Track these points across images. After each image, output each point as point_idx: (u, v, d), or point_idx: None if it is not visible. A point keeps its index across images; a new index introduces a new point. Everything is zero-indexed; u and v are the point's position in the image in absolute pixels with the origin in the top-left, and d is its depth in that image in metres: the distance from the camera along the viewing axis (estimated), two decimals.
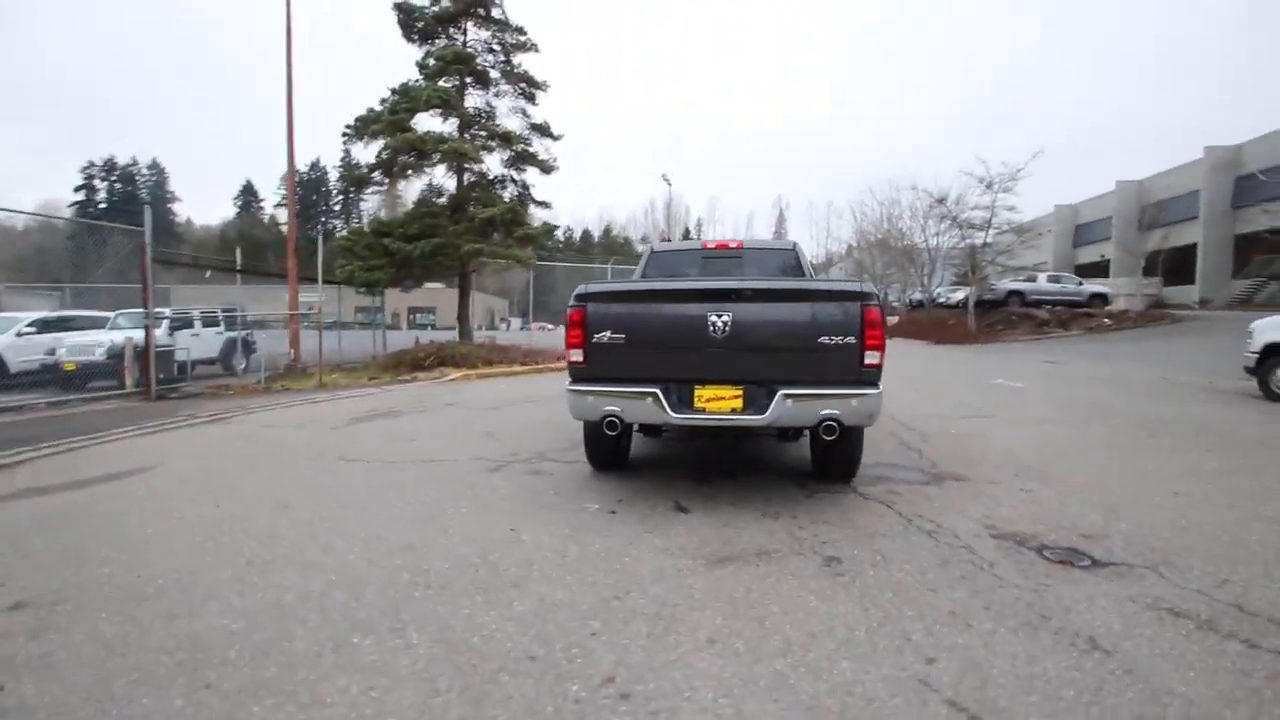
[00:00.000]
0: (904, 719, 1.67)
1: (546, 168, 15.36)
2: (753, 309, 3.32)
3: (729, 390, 3.33)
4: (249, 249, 28.24)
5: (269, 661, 1.96)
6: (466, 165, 14.42)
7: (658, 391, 3.33)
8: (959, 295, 28.04)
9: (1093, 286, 25.88)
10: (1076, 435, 5.63)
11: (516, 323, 50.52)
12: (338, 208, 70.91)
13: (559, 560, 2.79)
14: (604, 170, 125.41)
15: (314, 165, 69.78)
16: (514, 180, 15.53)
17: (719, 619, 2.23)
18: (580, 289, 3.54)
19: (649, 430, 3.34)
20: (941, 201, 25.26)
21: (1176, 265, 31.30)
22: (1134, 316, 23.22)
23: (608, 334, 3.43)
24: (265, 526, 3.27)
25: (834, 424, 3.21)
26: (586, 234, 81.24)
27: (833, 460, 3.90)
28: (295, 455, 5.04)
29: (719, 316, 3.29)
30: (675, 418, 3.34)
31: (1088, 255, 38.95)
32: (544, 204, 15.94)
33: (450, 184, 15.10)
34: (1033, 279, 26.29)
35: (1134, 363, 12.42)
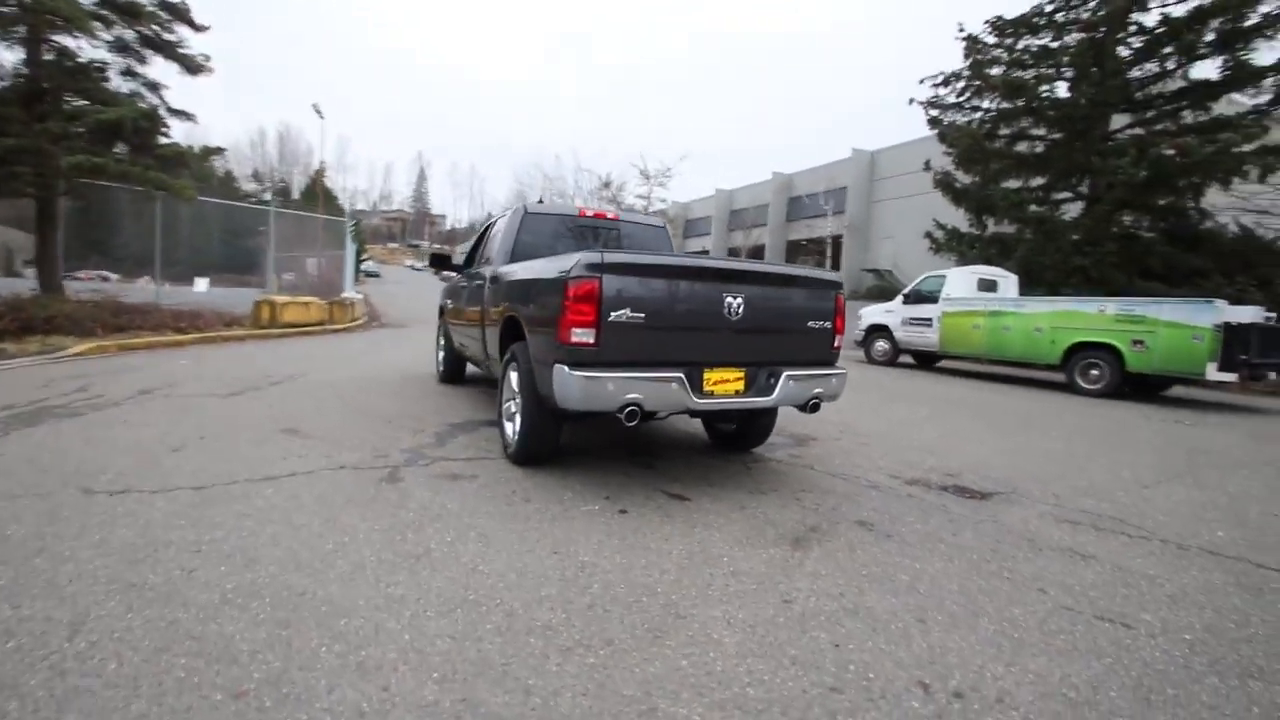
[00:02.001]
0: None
1: (192, 65, 11.47)
2: (762, 291, 3.36)
3: (733, 373, 3.32)
4: None
5: None
6: (53, 34, 9.73)
7: (682, 375, 3.11)
8: None
9: None
10: None
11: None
12: None
13: (670, 579, 2.43)
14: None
15: None
16: (135, 74, 11.16)
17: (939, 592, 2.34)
18: (592, 257, 2.99)
19: (639, 418, 3.06)
20: (607, 185, 28.04)
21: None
22: None
23: (626, 312, 3.01)
24: None
25: (818, 401, 3.52)
26: None
27: (755, 430, 4.25)
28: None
29: (734, 298, 3.24)
30: (698, 403, 3.17)
31: (694, 245, 48.22)
32: (186, 115, 11.91)
33: (14, 58, 9.97)
34: None
35: None
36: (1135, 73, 14.15)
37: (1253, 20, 12.69)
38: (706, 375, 3.25)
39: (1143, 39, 14.18)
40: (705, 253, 44.63)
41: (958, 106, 17.12)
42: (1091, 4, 15.06)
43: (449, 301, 6.27)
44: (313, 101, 33.27)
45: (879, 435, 5.33)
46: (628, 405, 3.00)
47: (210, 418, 4.67)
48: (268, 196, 37.95)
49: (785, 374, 3.38)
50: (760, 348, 3.40)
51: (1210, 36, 13.29)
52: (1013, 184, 16.24)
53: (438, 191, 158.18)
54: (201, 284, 14.79)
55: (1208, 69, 13.45)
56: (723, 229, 47.31)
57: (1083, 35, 14.49)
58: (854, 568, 2.59)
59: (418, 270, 70.96)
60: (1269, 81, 12.81)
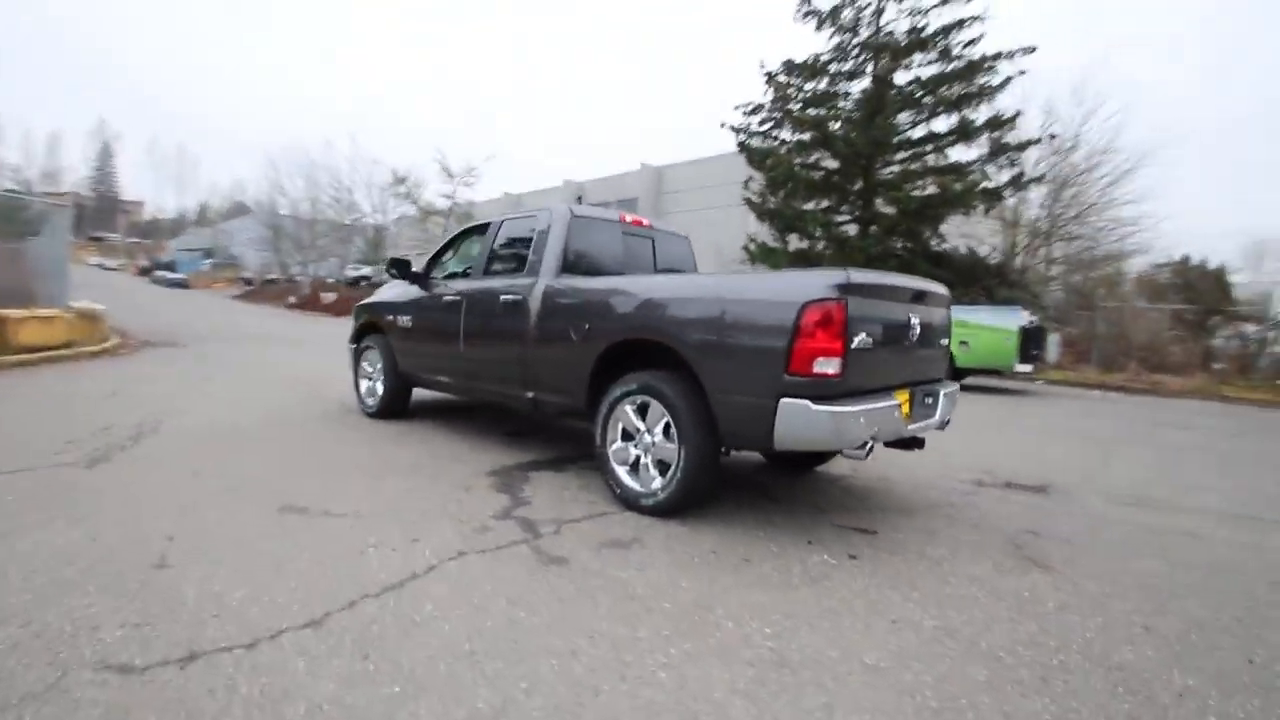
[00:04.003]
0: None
1: None
2: (927, 310, 3.31)
3: (904, 395, 3.23)
4: None
5: None
6: None
7: (902, 401, 2.91)
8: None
9: None
10: None
11: None
12: None
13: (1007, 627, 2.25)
14: None
15: None
16: None
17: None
18: (836, 276, 2.62)
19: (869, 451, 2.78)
20: (402, 181, 25.32)
21: None
22: None
23: (863, 336, 2.71)
24: None
25: (948, 421, 3.60)
26: None
27: None
28: None
29: (915, 316, 3.14)
30: (909, 429, 3.00)
31: None
32: None
33: None
34: None
35: None
36: (902, 118, 17.33)
37: (973, 89, 16.43)
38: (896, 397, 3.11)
39: (898, 95, 17.42)
40: None
41: (762, 135, 19.13)
42: (854, 61, 18.10)
43: (403, 318, 5.03)
44: None
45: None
46: (869, 441, 2.73)
47: (127, 502, 3.08)
48: None
49: (941, 392, 3.39)
50: (920, 367, 3.36)
51: (943, 96, 16.88)
52: (809, 206, 18.69)
53: (132, 173, 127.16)
54: None
55: (950, 122, 17.06)
56: None
57: (869, 85, 17.28)
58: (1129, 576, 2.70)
59: (110, 270, 56.82)
60: (984, 137, 16.73)
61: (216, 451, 4.15)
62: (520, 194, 45.97)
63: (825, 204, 18.88)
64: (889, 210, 16.94)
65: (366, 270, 31.73)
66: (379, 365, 5.35)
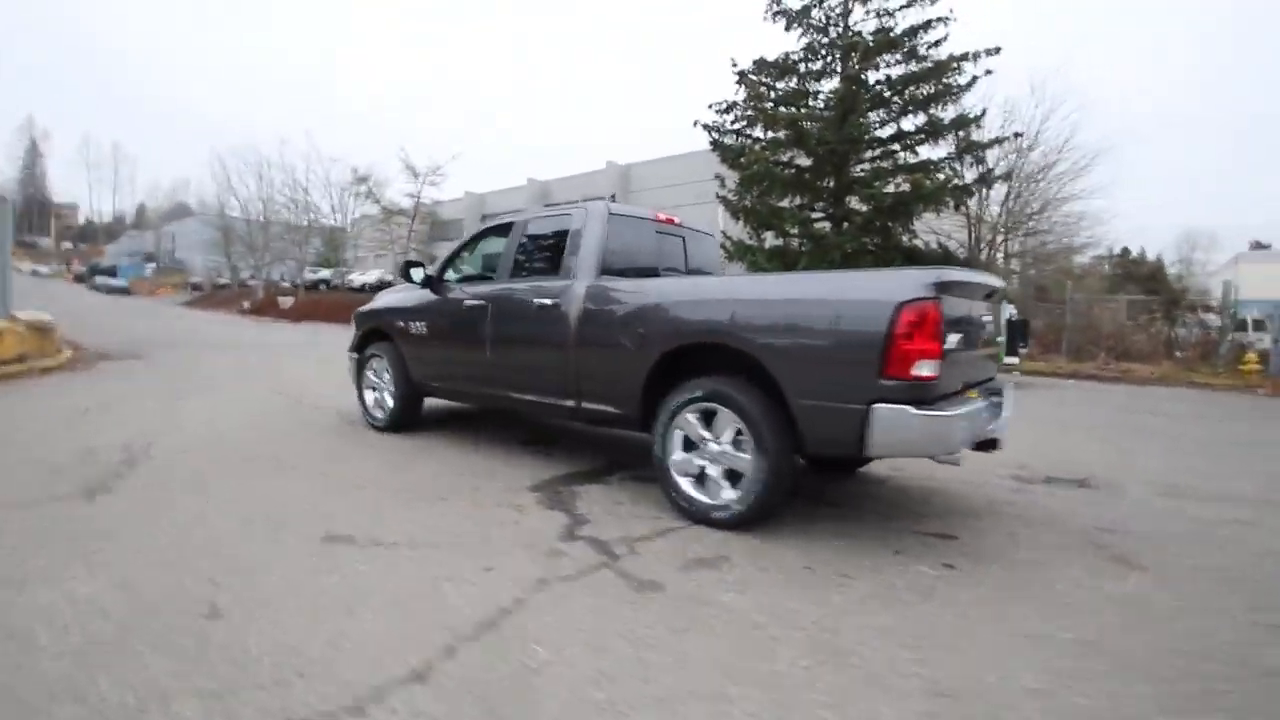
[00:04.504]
0: None
1: None
2: (990, 308, 3.23)
3: (973, 393, 3.15)
4: None
5: None
6: None
7: (983, 402, 2.82)
8: (372, 276, 28.00)
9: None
10: None
11: None
12: None
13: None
14: None
15: None
16: None
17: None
18: (930, 275, 2.50)
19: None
20: (364, 180, 24.42)
21: None
22: None
23: (952, 336, 2.61)
24: None
25: None
26: None
27: None
28: None
29: (984, 315, 3.06)
30: (990, 430, 2.91)
31: (446, 249, 45.24)
32: None
33: None
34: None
35: None
36: (872, 116, 17.58)
37: (940, 89, 16.77)
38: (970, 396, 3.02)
39: (869, 95, 17.67)
40: None
41: (735, 133, 19.14)
42: (824, 60, 18.30)
43: (417, 324, 4.73)
44: None
45: None
46: (959, 447, 2.62)
47: (147, 540, 2.75)
48: None
49: (1005, 389, 3.33)
50: (983, 366, 3.29)
51: (912, 95, 17.20)
52: (784, 204, 18.80)
53: (66, 174, 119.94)
54: None
55: (918, 121, 17.39)
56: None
57: (839, 84, 17.46)
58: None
59: (43, 276, 53.85)
60: (951, 135, 17.10)
61: (223, 475, 3.80)
62: (483, 193, 45.13)
63: (799, 201, 19.03)
64: (861, 207, 17.19)
65: (325, 273, 30.62)
66: (387, 375, 5.02)
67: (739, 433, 2.97)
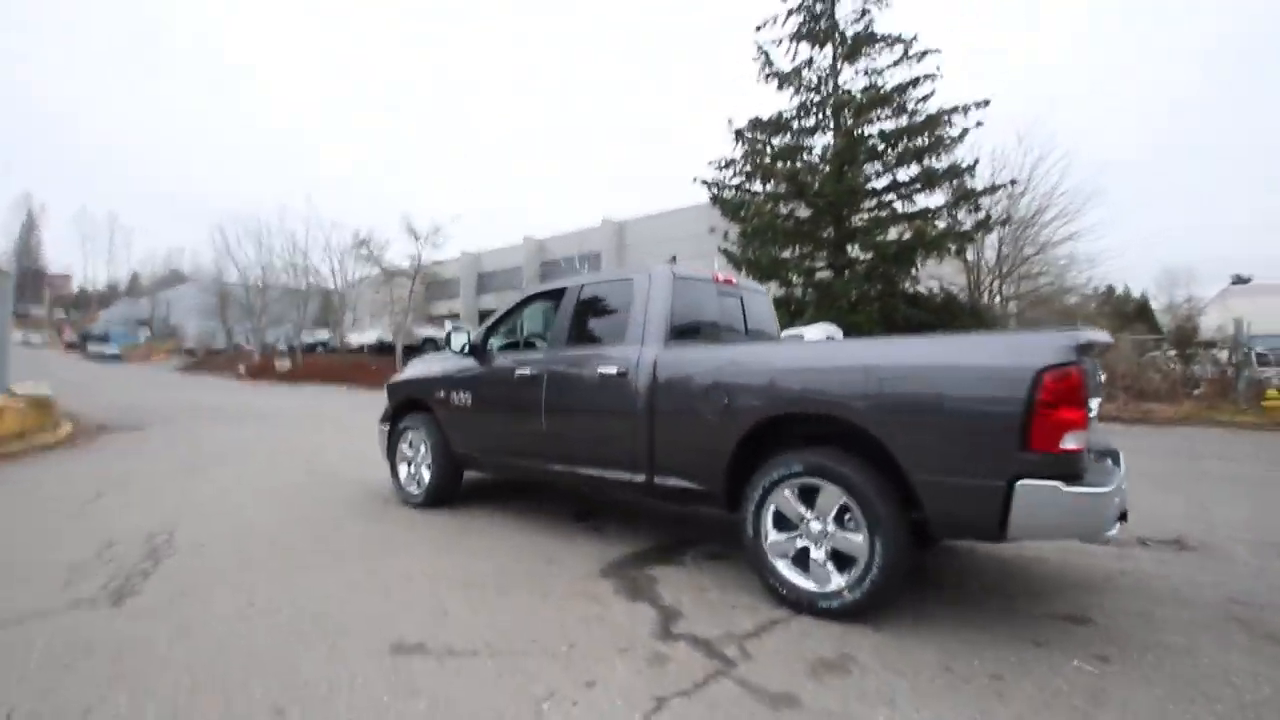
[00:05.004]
0: None
1: None
2: (1097, 364, 3.03)
3: (1108, 461, 2.91)
4: None
5: None
6: None
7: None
8: (370, 337, 27.83)
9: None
10: None
11: None
12: None
13: None
14: None
15: None
16: None
17: None
18: (1072, 337, 2.30)
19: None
20: (364, 243, 24.56)
21: None
22: None
23: (1092, 402, 2.40)
24: None
25: None
26: None
27: None
28: None
29: (1102, 375, 2.86)
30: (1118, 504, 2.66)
31: (442, 308, 45.39)
32: None
33: None
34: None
35: None
36: (869, 168, 17.95)
37: (933, 141, 17.22)
38: None
39: (865, 148, 18.11)
40: (456, 316, 42.25)
41: (735, 188, 19.50)
42: (816, 117, 18.84)
43: (460, 395, 4.48)
44: None
45: None
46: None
47: (191, 659, 2.41)
48: None
49: (1119, 453, 3.09)
50: (1098, 428, 3.06)
51: (905, 148, 17.63)
52: (786, 255, 18.97)
53: (58, 245, 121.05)
54: None
55: (912, 172, 17.77)
56: (472, 292, 45.57)
57: (833, 139, 17.90)
58: None
59: (34, 346, 53.70)
60: (946, 184, 17.45)
61: (257, 569, 3.46)
62: (479, 253, 45.66)
63: (800, 251, 19.22)
64: (863, 255, 17.35)
65: (324, 335, 30.44)
66: (424, 448, 4.74)
67: (845, 511, 2.71)
